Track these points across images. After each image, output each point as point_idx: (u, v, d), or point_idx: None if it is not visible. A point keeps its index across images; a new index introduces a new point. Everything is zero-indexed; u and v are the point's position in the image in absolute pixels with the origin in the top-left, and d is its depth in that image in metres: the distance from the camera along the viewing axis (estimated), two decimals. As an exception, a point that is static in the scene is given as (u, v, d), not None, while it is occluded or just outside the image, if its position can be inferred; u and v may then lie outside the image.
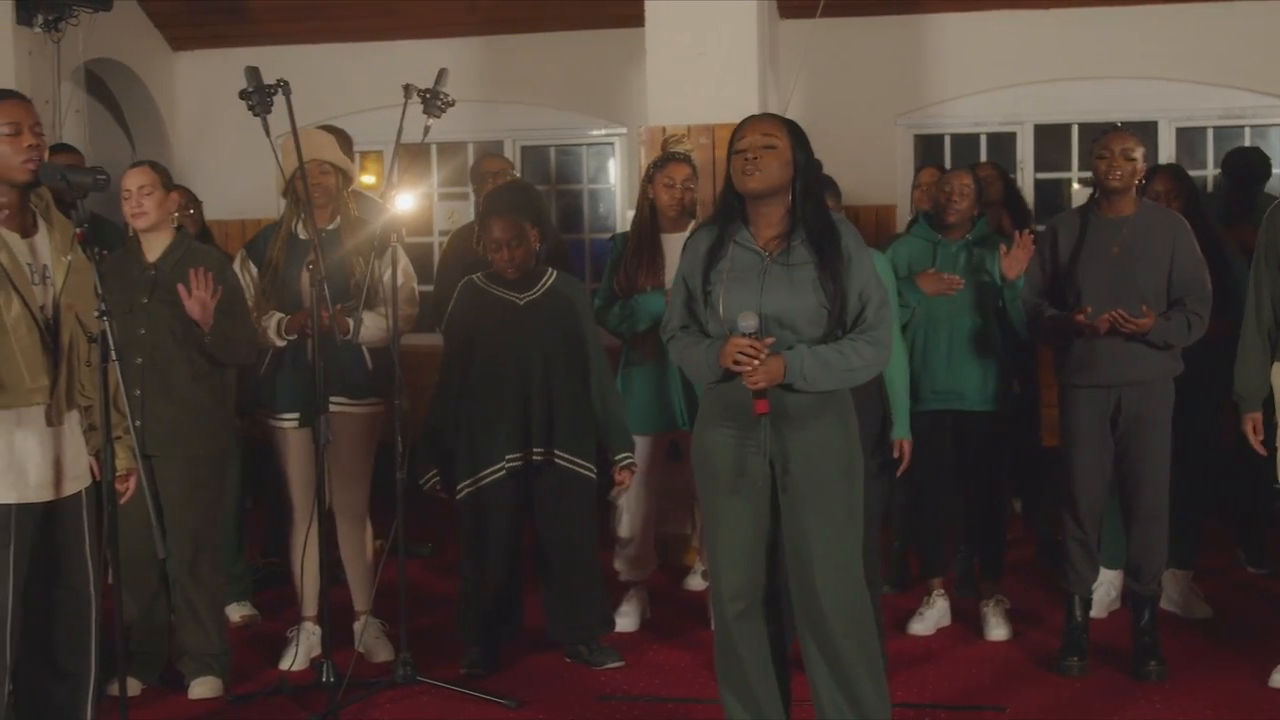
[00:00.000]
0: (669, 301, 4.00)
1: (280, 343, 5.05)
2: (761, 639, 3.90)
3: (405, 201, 7.18)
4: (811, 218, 3.76)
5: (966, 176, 5.47)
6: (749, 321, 3.65)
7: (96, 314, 3.60)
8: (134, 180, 4.79)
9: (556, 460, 4.99)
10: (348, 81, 8.34)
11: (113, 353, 3.58)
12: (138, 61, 8.46)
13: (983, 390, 5.35)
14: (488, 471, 4.97)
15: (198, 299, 4.65)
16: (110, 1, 7.55)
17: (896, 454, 5.02)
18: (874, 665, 3.84)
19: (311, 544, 4.85)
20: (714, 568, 3.90)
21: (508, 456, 4.95)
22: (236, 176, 8.51)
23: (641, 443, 5.42)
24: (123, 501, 3.88)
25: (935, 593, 5.50)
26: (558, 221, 8.65)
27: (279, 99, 4.54)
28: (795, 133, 3.79)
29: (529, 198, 5.32)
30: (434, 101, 4.78)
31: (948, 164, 8.16)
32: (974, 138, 8.21)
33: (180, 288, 4.66)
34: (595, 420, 5.06)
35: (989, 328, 5.34)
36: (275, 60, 8.50)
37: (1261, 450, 4.77)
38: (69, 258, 3.73)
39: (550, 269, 5.10)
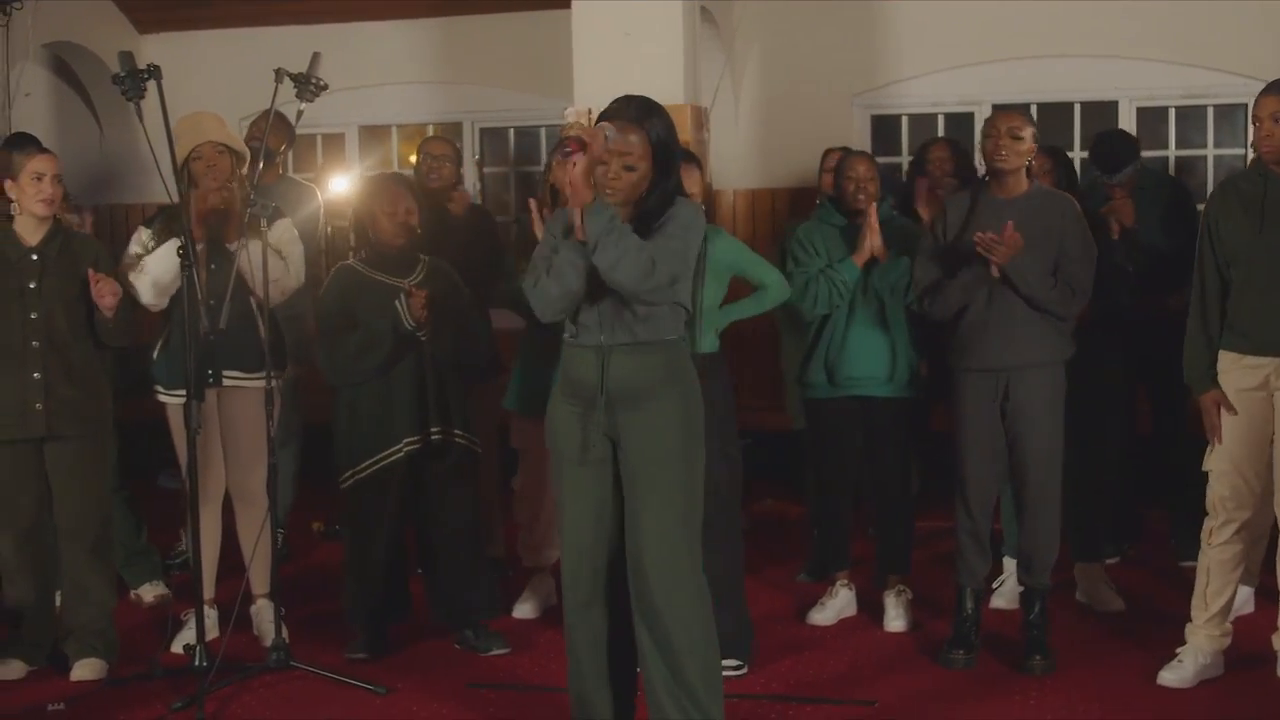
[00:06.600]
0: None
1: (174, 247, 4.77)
2: (599, 632, 3.83)
3: (339, 184, 7.24)
4: None
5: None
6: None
7: None
8: (48, 166, 4.81)
9: (456, 439, 4.99)
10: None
11: None
12: (102, 45, 8.48)
13: (890, 376, 5.22)
14: (382, 456, 4.95)
15: (109, 289, 4.68)
16: (56, -16, 7.61)
17: None
18: (705, 651, 3.74)
19: (206, 526, 4.87)
20: (563, 554, 3.85)
21: (406, 440, 4.94)
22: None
23: (539, 425, 5.38)
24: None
25: (839, 583, 5.41)
26: (517, 202, 8.65)
27: (151, 84, 4.55)
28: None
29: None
30: (306, 86, 4.76)
31: (904, 146, 8.06)
32: (931, 118, 8.06)
33: (91, 273, 4.71)
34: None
35: (896, 312, 5.21)
36: (238, 44, 8.62)
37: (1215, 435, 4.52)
38: None
39: (421, 255, 5.08)
